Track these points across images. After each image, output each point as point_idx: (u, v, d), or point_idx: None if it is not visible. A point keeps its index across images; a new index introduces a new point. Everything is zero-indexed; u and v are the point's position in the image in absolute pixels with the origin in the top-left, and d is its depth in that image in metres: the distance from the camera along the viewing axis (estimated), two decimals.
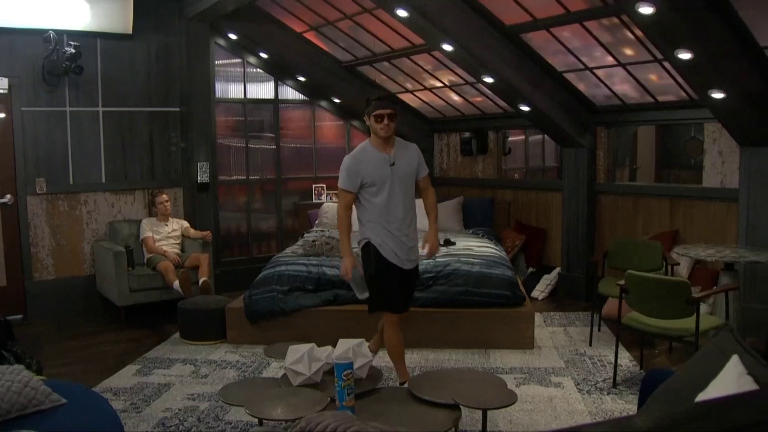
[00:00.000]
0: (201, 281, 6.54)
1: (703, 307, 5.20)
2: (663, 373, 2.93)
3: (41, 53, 6.62)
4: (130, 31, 7.07)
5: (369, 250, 4.24)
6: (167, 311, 6.44)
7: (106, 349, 5.78)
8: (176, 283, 6.40)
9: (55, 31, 6.56)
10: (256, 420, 3.38)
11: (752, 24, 4.71)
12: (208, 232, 7.13)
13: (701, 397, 2.25)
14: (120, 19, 6.97)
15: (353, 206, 4.29)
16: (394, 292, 4.29)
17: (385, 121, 4.25)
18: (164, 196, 7.04)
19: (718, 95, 5.04)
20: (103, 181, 7.18)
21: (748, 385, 2.14)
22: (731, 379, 2.20)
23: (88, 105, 7.02)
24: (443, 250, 6.38)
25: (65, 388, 3.07)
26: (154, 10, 7.31)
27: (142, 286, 6.55)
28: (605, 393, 4.53)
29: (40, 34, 6.56)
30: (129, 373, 5.09)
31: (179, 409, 4.33)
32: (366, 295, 4.28)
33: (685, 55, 4.72)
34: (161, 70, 7.49)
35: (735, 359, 2.28)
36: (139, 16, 7.08)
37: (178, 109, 7.61)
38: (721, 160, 6.00)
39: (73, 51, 6.56)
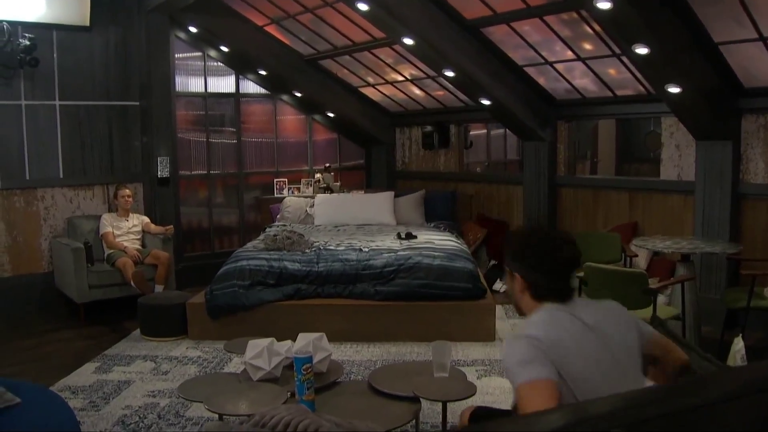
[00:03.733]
0: (155, 287, 6.50)
1: (661, 298, 5.29)
2: None
3: None
4: (87, 23, 6.95)
5: None
6: (127, 308, 6.35)
7: (64, 347, 5.69)
8: (132, 282, 6.35)
9: (8, 22, 6.39)
10: (216, 416, 3.36)
11: (707, 20, 4.80)
12: (170, 226, 7.06)
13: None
14: (77, 11, 6.84)
15: None
16: None
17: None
18: (127, 191, 6.94)
19: (674, 90, 5.13)
20: (61, 176, 7.06)
21: None
22: None
23: (44, 98, 6.88)
24: (405, 243, 6.40)
25: (20, 387, 3.01)
26: (112, 1, 7.18)
27: (101, 282, 6.45)
28: None
29: None
30: (88, 371, 5.01)
31: (139, 407, 4.28)
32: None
33: (642, 50, 4.79)
34: (120, 63, 7.37)
35: None
36: (97, 7, 6.95)
37: (137, 103, 7.50)
38: (678, 154, 6.10)
39: (28, 43, 6.41)
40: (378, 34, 7.00)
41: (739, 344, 2.74)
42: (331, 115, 9.15)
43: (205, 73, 8.38)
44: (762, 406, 1.13)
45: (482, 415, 2.66)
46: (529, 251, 2.25)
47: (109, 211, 7.14)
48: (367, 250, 6.11)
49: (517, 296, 2.31)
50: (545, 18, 5.72)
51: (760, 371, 1.25)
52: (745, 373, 1.41)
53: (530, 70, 6.74)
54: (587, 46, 5.97)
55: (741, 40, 4.86)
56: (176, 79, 7.98)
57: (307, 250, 6.16)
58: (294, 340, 3.66)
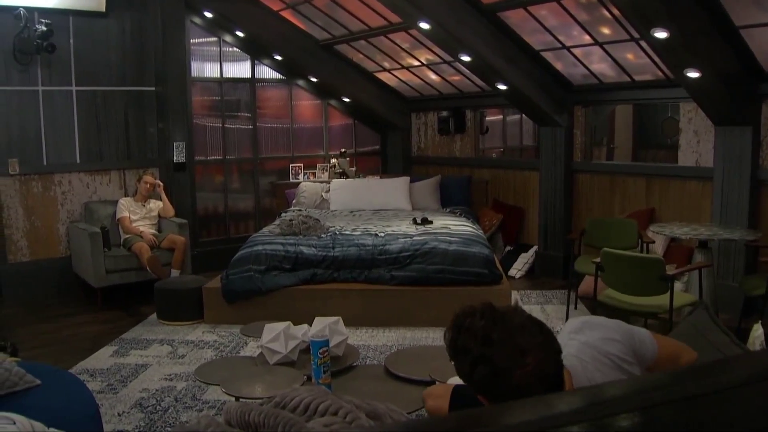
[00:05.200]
0: (171, 271, 6.53)
1: (678, 285, 5.25)
2: None
3: (11, 31, 6.48)
4: (103, 8, 6.95)
5: None
6: (144, 292, 6.39)
7: (82, 330, 5.74)
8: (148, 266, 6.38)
9: (25, 8, 6.42)
10: (233, 399, 3.38)
11: (727, 3, 4.73)
12: (159, 182, 7.16)
13: None
14: None
15: None
16: None
17: None
18: (150, 178, 6.98)
19: (693, 75, 5.07)
20: (78, 161, 7.09)
21: None
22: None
23: (61, 84, 6.91)
24: (420, 228, 6.40)
25: (39, 370, 3.04)
26: None
27: (118, 267, 6.49)
28: None
29: (10, 11, 6.40)
30: (105, 354, 5.06)
31: (156, 390, 4.32)
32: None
33: (661, 34, 4.73)
34: (136, 48, 7.38)
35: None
36: None
37: (153, 89, 7.51)
38: (696, 140, 6.04)
39: (45, 29, 6.42)
40: (394, 18, 6.95)
41: (758, 330, 2.72)
42: (346, 100, 9.14)
43: (221, 58, 8.37)
44: None
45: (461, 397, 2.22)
46: (472, 382, 1.60)
47: (126, 195, 7.17)
48: (382, 235, 6.11)
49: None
50: (563, 2, 5.66)
51: None
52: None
53: (547, 55, 6.69)
54: (605, 31, 5.91)
55: (762, 23, 4.79)
56: (192, 64, 7.97)
57: (322, 235, 6.16)
58: (310, 324, 3.67)
